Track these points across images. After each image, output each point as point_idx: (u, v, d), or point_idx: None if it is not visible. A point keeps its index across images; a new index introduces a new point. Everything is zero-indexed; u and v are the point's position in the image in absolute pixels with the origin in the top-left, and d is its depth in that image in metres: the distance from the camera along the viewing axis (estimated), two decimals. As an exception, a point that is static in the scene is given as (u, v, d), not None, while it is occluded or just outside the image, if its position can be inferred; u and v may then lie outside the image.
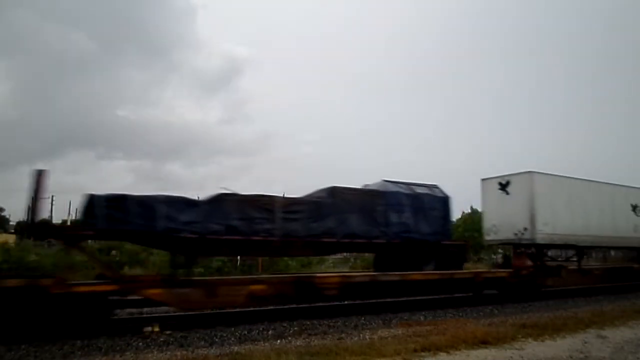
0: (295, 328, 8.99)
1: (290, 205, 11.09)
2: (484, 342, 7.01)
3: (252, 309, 10.78)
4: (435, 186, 14.01)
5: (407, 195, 13.11)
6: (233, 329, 8.87)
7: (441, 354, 6.39)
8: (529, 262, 15.34)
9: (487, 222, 16.20)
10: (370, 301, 12.11)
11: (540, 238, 14.46)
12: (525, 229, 14.52)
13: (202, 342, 7.85)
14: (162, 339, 7.97)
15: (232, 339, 8.18)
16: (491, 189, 15.86)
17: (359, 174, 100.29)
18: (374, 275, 12.02)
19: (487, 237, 16.34)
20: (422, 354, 6.37)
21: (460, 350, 6.61)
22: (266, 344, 7.54)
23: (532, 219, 14.45)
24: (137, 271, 18.95)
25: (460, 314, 11.26)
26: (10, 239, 27.85)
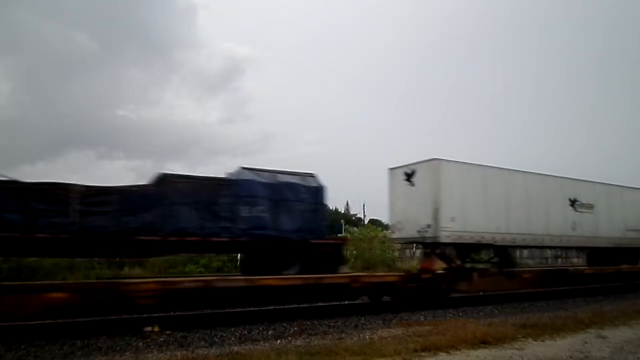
0: (295, 328, 8.99)
1: (92, 195, 9.50)
2: (484, 342, 7.02)
3: (252, 308, 10.78)
4: (310, 175, 12.14)
5: (263, 184, 11.20)
6: (233, 329, 8.87)
7: (441, 354, 6.40)
8: (439, 264, 13.75)
9: (393, 218, 14.29)
10: (370, 301, 12.04)
11: (444, 236, 12.39)
12: (429, 225, 12.50)
13: (202, 342, 7.85)
14: (162, 339, 7.98)
15: (232, 339, 8.19)
16: (397, 180, 13.79)
17: (359, 173, 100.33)
18: (208, 280, 9.97)
19: (393, 235, 14.58)
20: (422, 354, 6.37)
21: (460, 350, 6.61)
22: (266, 344, 7.54)
23: (436, 214, 12.38)
24: (137, 272, 18.93)
25: (460, 314, 11.27)
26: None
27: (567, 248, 18.21)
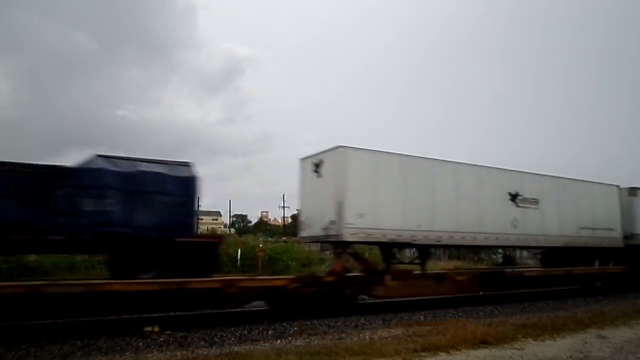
0: (295, 328, 8.99)
1: None
2: (484, 342, 7.02)
3: (252, 308, 10.77)
4: (183, 164, 10.56)
5: (116, 174, 9.71)
6: (233, 329, 8.87)
7: (441, 354, 6.40)
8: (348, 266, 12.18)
9: (302, 214, 12.82)
10: (371, 301, 12.04)
11: (349, 234, 10.78)
12: (333, 221, 11.03)
13: (202, 342, 7.86)
14: (162, 339, 7.98)
15: (232, 339, 8.19)
16: (306, 171, 12.29)
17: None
18: (35, 286, 8.32)
19: (302, 233, 12.88)
20: (422, 354, 6.37)
21: (460, 350, 6.61)
22: (266, 344, 7.54)
23: (340, 209, 10.83)
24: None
25: (460, 314, 11.27)
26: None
27: (507, 247, 16.87)
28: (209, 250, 10.74)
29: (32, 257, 18.55)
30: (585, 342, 7.27)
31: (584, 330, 8.30)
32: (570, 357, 6.37)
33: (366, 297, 11.91)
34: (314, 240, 13.67)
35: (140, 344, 7.68)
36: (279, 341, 7.86)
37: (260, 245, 24.85)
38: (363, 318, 10.26)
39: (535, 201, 14.68)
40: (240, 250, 21.66)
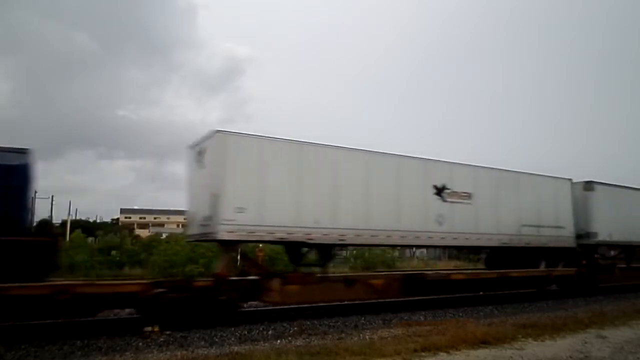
0: (295, 328, 8.99)
1: None
2: (484, 342, 7.02)
3: (252, 308, 10.77)
4: (17, 150, 9.10)
5: None
6: (233, 329, 8.87)
7: (441, 354, 6.40)
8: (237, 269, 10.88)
9: (188, 210, 11.45)
10: (371, 301, 12.03)
11: (225, 231, 9.37)
12: (209, 217, 9.70)
13: (202, 342, 7.86)
14: (162, 339, 7.98)
15: (232, 339, 8.19)
16: (191, 160, 11.06)
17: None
18: None
19: (187, 232, 11.76)
20: (422, 354, 6.37)
21: (460, 350, 6.61)
22: (266, 344, 7.54)
23: (216, 203, 9.46)
24: (137, 272, 18.95)
25: (460, 314, 11.27)
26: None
27: (430, 247, 14.60)
28: (44, 250, 8.85)
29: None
30: (585, 342, 7.28)
31: (584, 330, 8.30)
32: (570, 357, 6.37)
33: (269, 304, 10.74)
34: (195, 239, 11.78)
35: (140, 344, 7.68)
36: (279, 341, 7.86)
37: (260, 245, 24.82)
38: (363, 318, 10.26)
39: (467, 195, 12.98)
40: (240, 250, 21.64)
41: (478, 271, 15.09)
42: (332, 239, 10.77)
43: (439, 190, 12.46)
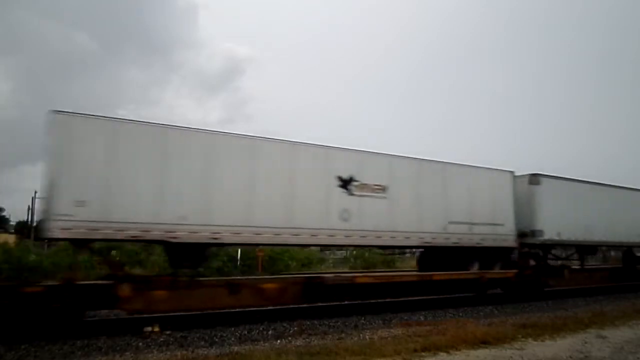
0: (295, 328, 9.00)
1: None
2: (484, 342, 7.02)
3: (252, 308, 10.77)
4: None
5: None
6: (233, 329, 8.88)
7: (441, 354, 6.40)
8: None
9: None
10: (371, 301, 12.03)
11: (59, 228, 8.17)
12: (45, 211, 8.51)
13: (202, 342, 7.86)
14: (162, 339, 7.99)
15: (232, 339, 8.20)
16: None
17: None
18: None
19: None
20: (422, 354, 6.37)
21: (460, 350, 6.61)
22: (266, 344, 7.55)
23: (49, 195, 8.31)
24: (137, 271, 18.95)
25: (460, 314, 11.27)
26: (10, 239, 27.89)
27: (333, 247, 12.11)
28: None
29: (32, 257, 18.58)
30: (585, 342, 7.28)
31: (584, 330, 8.31)
32: (570, 357, 6.38)
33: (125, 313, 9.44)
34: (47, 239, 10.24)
35: (140, 344, 7.69)
36: (279, 341, 7.86)
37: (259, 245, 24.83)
38: (363, 318, 10.27)
39: (381, 188, 11.47)
40: (240, 251, 21.66)
41: (393, 274, 13.32)
42: (202, 237, 9.33)
43: (345, 183, 10.96)
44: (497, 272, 13.54)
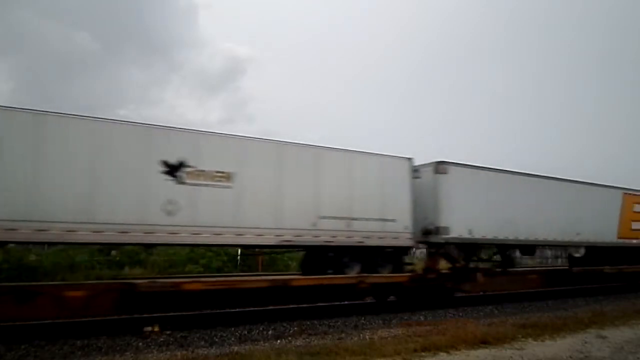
0: (295, 328, 9.00)
1: None
2: (484, 342, 7.02)
3: (252, 308, 10.77)
4: None
5: None
6: (233, 329, 8.88)
7: (441, 354, 6.40)
8: None
9: None
10: (371, 301, 12.01)
11: None
12: None
13: (202, 342, 7.86)
14: (162, 339, 7.99)
15: (232, 339, 8.20)
16: None
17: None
18: None
19: None
20: (422, 354, 6.37)
21: (460, 350, 6.61)
22: (266, 344, 7.55)
23: None
24: (138, 271, 18.95)
25: (460, 314, 11.27)
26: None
27: (153, 246, 9.91)
28: None
29: (32, 257, 18.58)
30: (585, 342, 7.28)
31: (584, 330, 8.31)
32: (570, 357, 6.38)
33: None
34: None
35: (140, 344, 7.68)
36: (279, 341, 7.86)
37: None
38: (363, 318, 10.27)
39: (225, 176, 9.62)
40: (241, 250, 21.63)
41: (235, 279, 11.25)
42: (21, 236, 7.93)
43: (173, 168, 9.12)
44: (380, 276, 11.32)
